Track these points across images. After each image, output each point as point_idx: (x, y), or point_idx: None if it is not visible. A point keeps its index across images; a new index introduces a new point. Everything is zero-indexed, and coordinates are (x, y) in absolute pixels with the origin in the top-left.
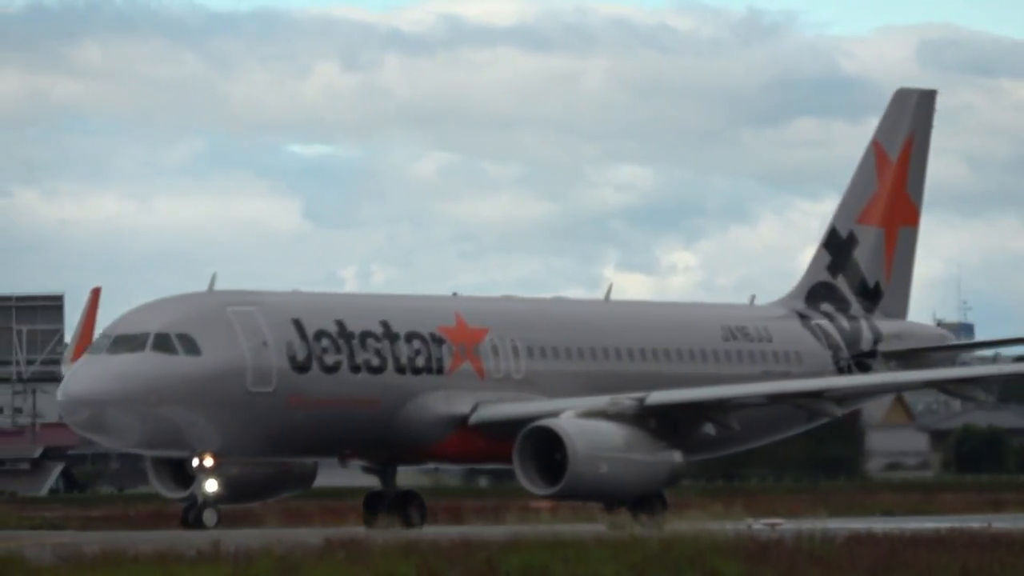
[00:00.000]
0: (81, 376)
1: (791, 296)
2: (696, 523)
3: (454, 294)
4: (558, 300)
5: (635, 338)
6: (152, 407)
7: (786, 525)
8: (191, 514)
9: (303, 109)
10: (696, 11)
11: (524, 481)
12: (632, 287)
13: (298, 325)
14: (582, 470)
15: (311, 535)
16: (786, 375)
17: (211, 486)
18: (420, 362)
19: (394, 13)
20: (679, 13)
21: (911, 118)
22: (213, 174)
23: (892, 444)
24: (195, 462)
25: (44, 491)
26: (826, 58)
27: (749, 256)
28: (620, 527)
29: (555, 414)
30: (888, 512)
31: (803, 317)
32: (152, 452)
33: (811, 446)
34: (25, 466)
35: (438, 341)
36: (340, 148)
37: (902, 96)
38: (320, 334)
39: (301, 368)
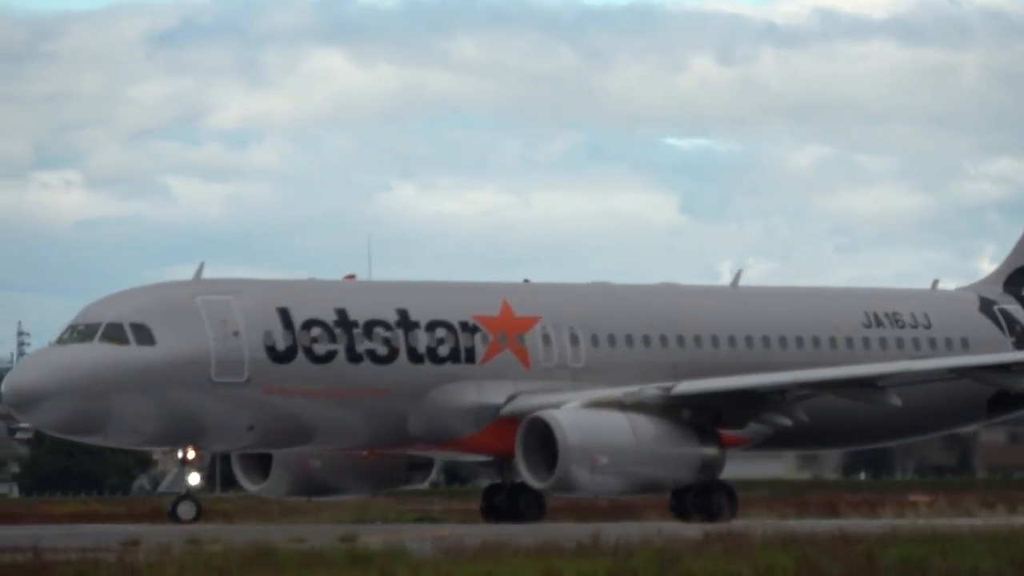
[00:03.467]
0: (26, 367)
1: (988, 280)
2: None
3: (525, 280)
4: (664, 286)
5: (737, 325)
6: (96, 398)
7: None
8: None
9: (679, 102)
10: None
11: (525, 472)
12: None
13: (284, 314)
14: (574, 462)
15: (689, 528)
16: None
17: (193, 479)
18: (443, 351)
19: (769, 6)
20: None
21: None
22: (589, 168)
23: None
24: (179, 454)
25: (426, 484)
26: None
27: None
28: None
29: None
30: None
31: (986, 302)
32: (111, 444)
33: None
34: None
35: (470, 329)
36: (716, 141)
37: None
38: (311, 323)
39: (282, 358)
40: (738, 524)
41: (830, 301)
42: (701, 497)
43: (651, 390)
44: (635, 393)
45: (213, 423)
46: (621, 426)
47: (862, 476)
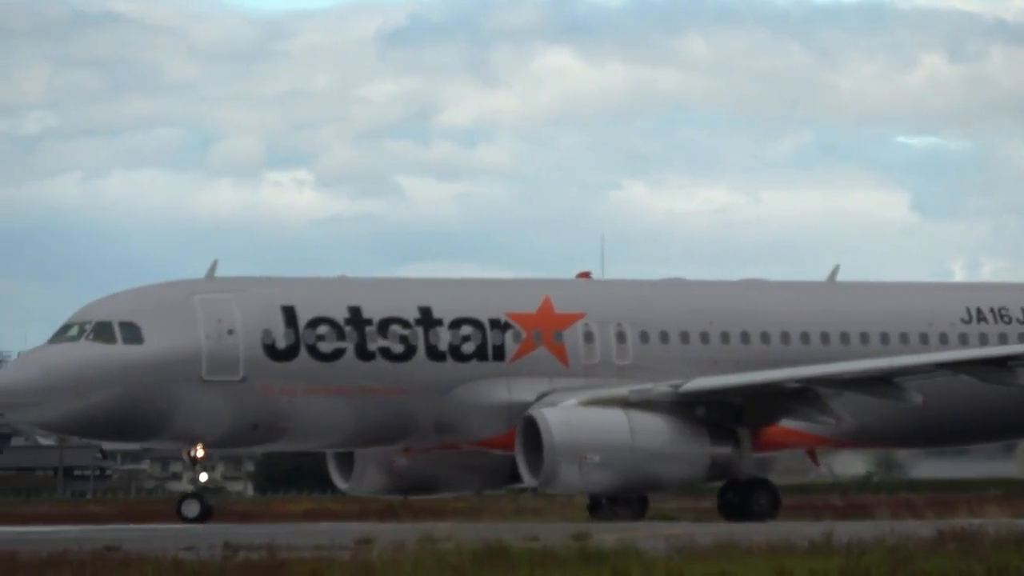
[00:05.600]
0: (15, 366)
1: None
2: None
3: (588, 274)
4: (746, 282)
5: (815, 321)
6: (81, 397)
7: None
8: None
9: (910, 100)
10: None
11: (523, 471)
12: None
13: (288, 312)
14: (561, 460)
15: (922, 527)
16: None
17: (203, 477)
18: (468, 349)
19: (999, 3)
20: None
21: None
22: (820, 166)
23: None
24: (189, 452)
25: None
26: None
27: None
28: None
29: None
30: None
31: None
32: (98, 442)
33: None
34: None
35: (501, 327)
36: (947, 139)
37: None
38: (317, 321)
39: (282, 356)
40: (973, 523)
41: (929, 296)
42: (740, 496)
43: (661, 387)
44: (643, 391)
45: (208, 422)
46: (617, 424)
47: None
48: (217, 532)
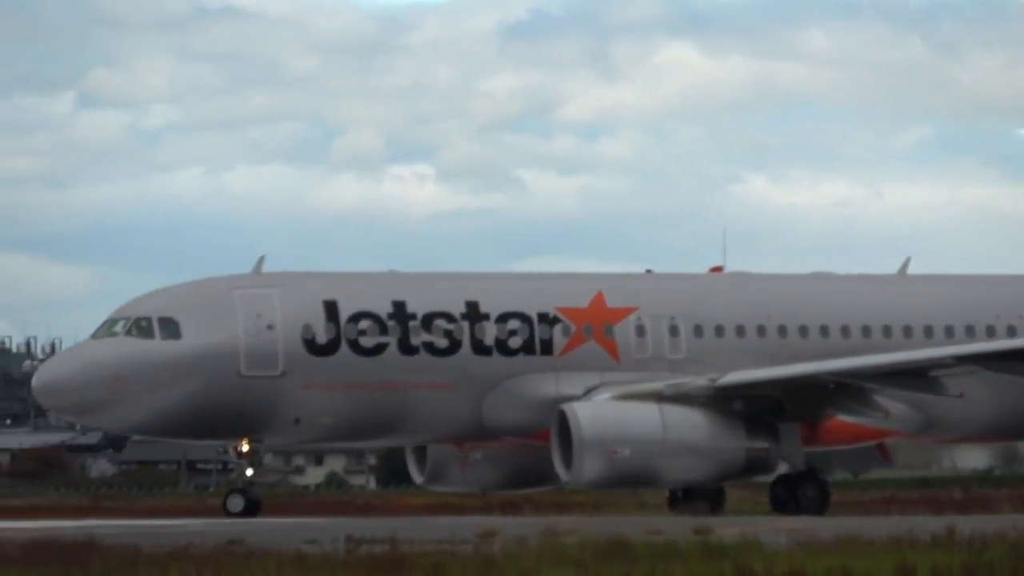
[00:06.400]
0: (55, 361)
1: None
2: None
3: (647, 271)
4: (813, 275)
5: (876, 314)
6: (119, 392)
7: None
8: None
9: None
10: None
11: (556, 464)
12: None
13: (330, 307)
14: (591, 454)
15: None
16: None
17: (249, 472)
18: (515, 343)
19: None
20: None
21: None
22: (941, 160)
23: None
24: (234, 447)
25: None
26: None
27: None
28: None
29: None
30: None
31: None
32: (138, 435)
33: None
34: None
35: (550, 321)
36: None
37: None
38: (359, 315)
39: (322, 351)
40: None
41: (998, 288)
42: (789, 489)
43: (698, 381)
44: (678, 384)
45: (248, 417)
46: (649, 418)
47: None
48: (340, 526)
